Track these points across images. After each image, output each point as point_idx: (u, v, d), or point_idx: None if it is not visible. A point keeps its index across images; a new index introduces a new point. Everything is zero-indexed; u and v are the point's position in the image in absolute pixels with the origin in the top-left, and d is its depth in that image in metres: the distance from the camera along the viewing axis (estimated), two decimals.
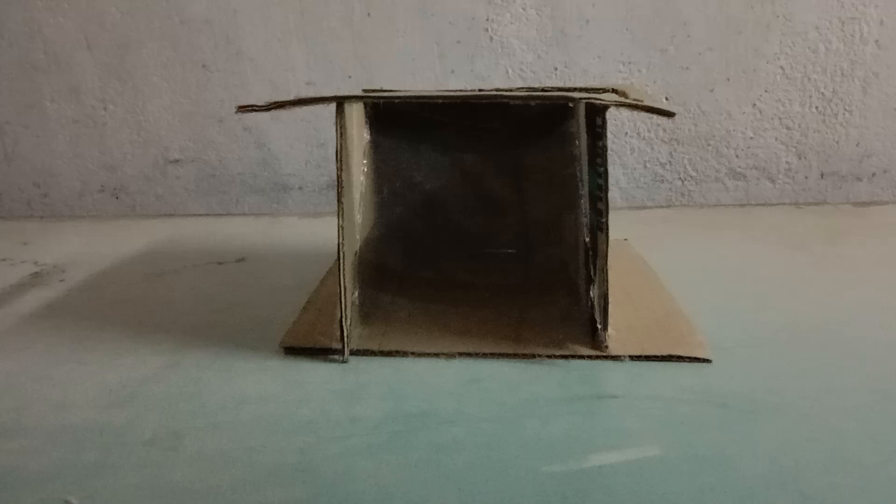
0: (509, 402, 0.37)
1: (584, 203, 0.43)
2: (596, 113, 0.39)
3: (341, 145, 0.41)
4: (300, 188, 0.90)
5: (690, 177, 0.88)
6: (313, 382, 0.40)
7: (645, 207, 0.88)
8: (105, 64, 0.88)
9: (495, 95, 0.39)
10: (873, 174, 0.88)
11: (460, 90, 0.40)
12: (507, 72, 0.85)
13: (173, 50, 0.87)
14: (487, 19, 0.84)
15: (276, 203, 0.91)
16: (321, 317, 0.47)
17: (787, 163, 0.87)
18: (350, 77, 0.86)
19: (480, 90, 0.40)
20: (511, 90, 0.43)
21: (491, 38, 0.84)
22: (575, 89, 0.45)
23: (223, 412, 0.37)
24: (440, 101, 0.39)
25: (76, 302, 0.55)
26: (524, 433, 0.34)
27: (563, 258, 0.48)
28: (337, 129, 0.40)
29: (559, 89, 0.41)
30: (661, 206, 0.88)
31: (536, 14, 0.83)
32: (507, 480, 0.30)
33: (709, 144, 0.87)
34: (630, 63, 0.85)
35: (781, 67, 0.84)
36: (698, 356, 0.41)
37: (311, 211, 0.89)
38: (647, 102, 0.38)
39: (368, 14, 0.84)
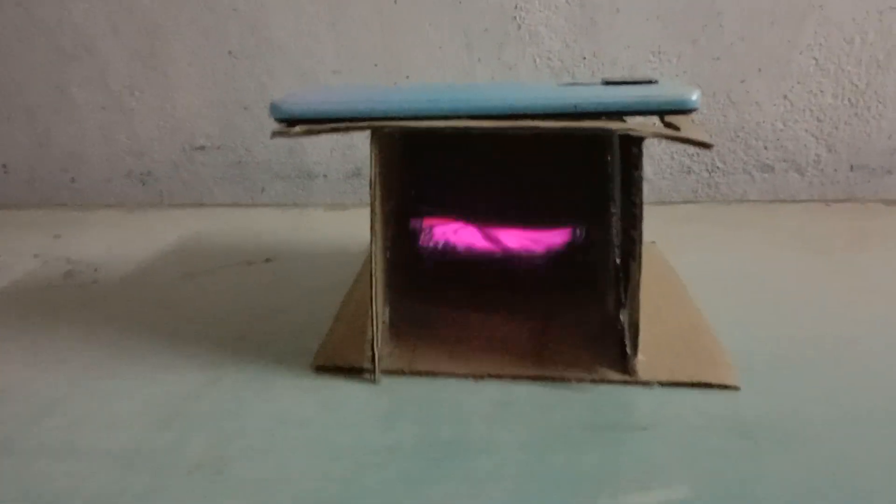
0: (540, 429, 0.38)
1: (616, 223, 0.43)
2: (632, 143, 0.39)
3: (375, 173, 0.41)
4: (325, 176, 0.91)
5: (718, 168, 0.88)
6: (348, 405, 0.41)
7: (671, 203, 0.87)
8: (132, 50, 0.88)
9: (528, 127, 0.39)
10: None
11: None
12: (535, 60, 0.84)
13: (202, 37, 0.86)
14: (516, 7, 0.83)
15: (301, 190, 0.91)
16: (351, 332, 0.48)
17: (817, 155, 0.86)
18: (376, 65, 0.85)
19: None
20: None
21: (519, 27, 0.83)
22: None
23: (265, 435, 0.38)
24: (473, 130, 0.38)
25: (112, 307, 0.56)
26: (554, 466, 0.35)
27: (591, 275, 0.49)
28: (371, 158, 0.40)
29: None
30: (688, 202, 0.87)
31: (566, 2, 0.82)
32: None
33: (737, 136, 0.86)
34: (660, 53, 0.83)
35: (815, 58, 0.83)
36: (727, 383, 0.41)
37: (338, 201, 0.90)
38: (685, 132, 0.38)
39: (395, 2, 0.83)
